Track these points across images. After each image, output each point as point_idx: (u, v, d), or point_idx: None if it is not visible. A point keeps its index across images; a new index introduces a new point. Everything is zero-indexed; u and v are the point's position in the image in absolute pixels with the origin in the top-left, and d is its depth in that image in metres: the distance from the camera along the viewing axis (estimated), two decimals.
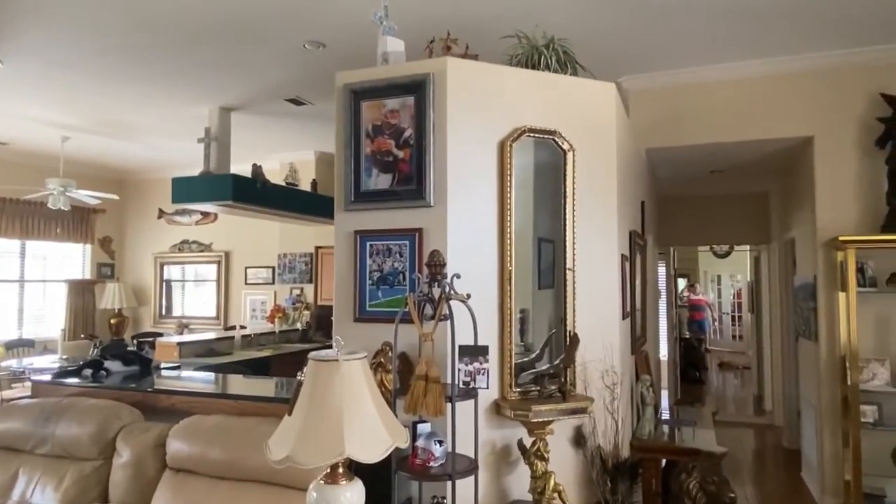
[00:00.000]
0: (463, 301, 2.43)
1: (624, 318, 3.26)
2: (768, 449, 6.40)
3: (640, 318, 4.08)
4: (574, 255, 2.87)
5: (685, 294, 13.26)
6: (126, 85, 5.07)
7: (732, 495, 2.76)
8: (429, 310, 2.44)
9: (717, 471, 2.91)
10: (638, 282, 3.99)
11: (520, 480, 2.68)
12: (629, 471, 2.78)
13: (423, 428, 2.45)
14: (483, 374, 2.40)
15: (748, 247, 9.48)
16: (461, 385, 2.39)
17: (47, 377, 3.52)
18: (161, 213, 8.94)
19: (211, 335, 6.90)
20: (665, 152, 5.03)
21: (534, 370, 2.70)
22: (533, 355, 2.85)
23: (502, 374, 2.71)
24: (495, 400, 2.69)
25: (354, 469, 2.46)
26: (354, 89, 2.77)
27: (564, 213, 2.87)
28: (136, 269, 9.21)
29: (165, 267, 9.05)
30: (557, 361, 2.70)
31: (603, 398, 2.85)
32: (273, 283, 8.17)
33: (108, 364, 3.61)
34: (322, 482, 1.85)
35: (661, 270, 7.52)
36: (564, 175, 2.86)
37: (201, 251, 8.78)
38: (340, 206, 2.82)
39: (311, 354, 1.88)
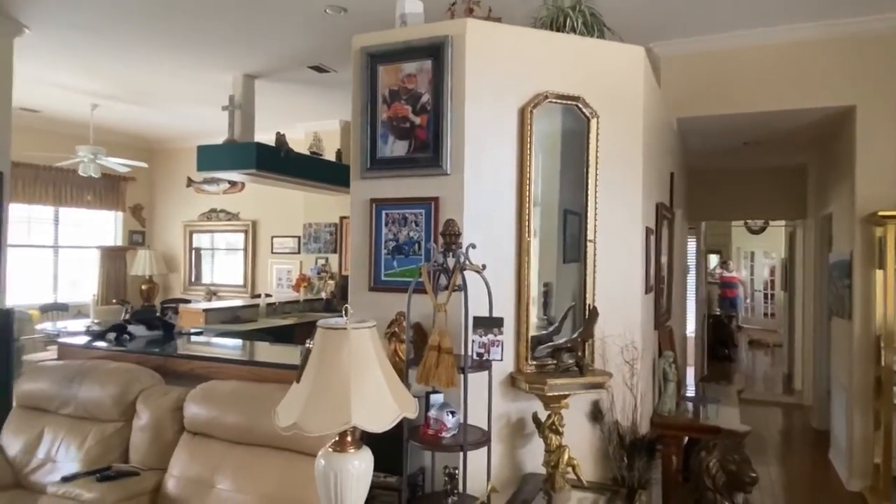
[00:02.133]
0: (478, 272, 2.37)
1: (647, 293, 3.17)
2: (796, 429, 6.27)
3: (665, 293, 3.98)
4: (595, 226, 2.78)
5: (717, 271, 12.99)
6: (149, 50, 5.07)
7: (753, 475, 2.69)
8: (443, 280, 2.39)
9: (739, 450, 2.83)
10: (664, 256, 3.88)
11: (534, 454, 2.65)
12: (646, 447, 2.72)
13: (436, 398, 2.42)
14: (497, 346, 2.35)
15: (783, 222, 9.20)
16: (474, 357, 2.35)
17: (73, 340, 3.59)
18: (190, 182, 9.03)
19: (238, 303, 7.00)
20: (697, 122, 4.85)
21: (551, 343, 2.64)
22: (551, 328, 2.80)
23: (518, 346, 2.66)
24: (511, 373, 2.65)
25: (368, 437, 2.46)
26: (371, 53, 2.70)
27: (586, 183, 2.77)
28: (166, 236, 9.36)
29: (194, 235, 9.18)
30: (575, 335, 2.64)
31: (622, 373, 2.78)
32: (299, 252, 8.22)
33: (132, 328, 3.67)
34: (331, 450, 1.84)
35: (691, 246, 7.34)
36: (587, 143, 2.76)
37: (229, 220, 8.87)
38: (356, 174, 2.77)
39: (320, 322, 1.85)
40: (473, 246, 2.38)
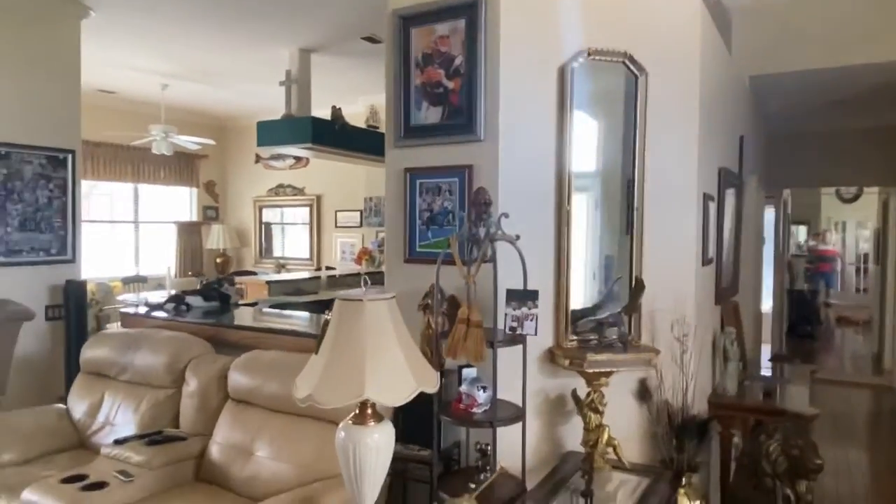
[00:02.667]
0: (511, 242, 2.26)
1: (704, 265, 2.95)
2: (883, 412, 5.80)
3: (729, 265, 3.71)
4: (644, 193, 2.59)
5: (811, 243, 12.14)
6: (207, 29, 5.17)
7: (819, 462, 2.47)
8: (476, 252, 2.30)
9: (804, 434, 2.61)
10: (729, 225, 3.61)
11: (575, 432, 2.54)
12: (698, 428, 2.55)
13: (469, 373, 2.35)
14: (531, 319, 2.25)
15: (877, 189, 8.43)
16: (507, 331, 2.25)
17: (135, 310, 3.77)
18: (258, 158, 9.28)
19: (302, 275, 7.17)
20: (774, 80, 4.46)
21: (593, 318, 2.51)
22: (596, 302, 2.65)
23: (558, 320, 2.54)
24: (550, 348, 2.54)
25: (404, 410, 2.43)
26: (403, 15, 2.60)
27: (634, 146, 2.58)
28: (238, 211, 9.70)
29: (263, 210, 9.46)
30: (620, 309, 2.49)
31: (672, 350, 2.61)
32: (361, 226, 8.31)
33: (189, 299, 3.80)
34: (350, 422, 1.81)
35: (769, 215, 6.85)
36: (635, 102, 2.56)
37: (295, 195, 9.07)
38: (390, 143, 2.70)
39: (339, 294, 1.81)
40: (506, 215, 2.27)
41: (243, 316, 3.73)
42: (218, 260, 9.20)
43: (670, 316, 2.62)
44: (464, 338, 2.14)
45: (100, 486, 2.35)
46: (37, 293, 4.31)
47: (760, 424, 3.12)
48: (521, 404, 2.32)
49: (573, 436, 2.56)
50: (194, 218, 9.42)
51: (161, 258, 8.91)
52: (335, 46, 5.60)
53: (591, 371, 2.39)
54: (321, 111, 6.02)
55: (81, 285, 4.44)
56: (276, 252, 9.47)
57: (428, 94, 2.57)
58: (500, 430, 2.33)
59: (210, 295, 3.91)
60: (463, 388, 2.28)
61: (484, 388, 2.26)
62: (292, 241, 9.31)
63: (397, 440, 2.55)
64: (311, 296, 6.10)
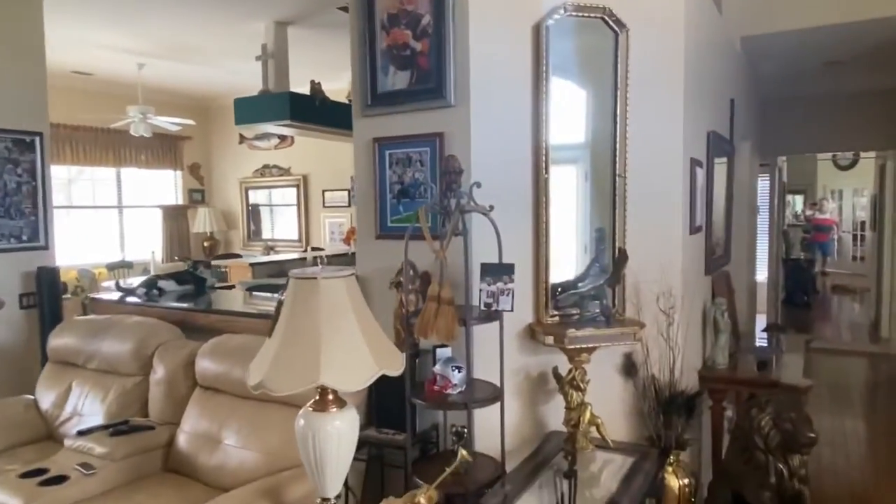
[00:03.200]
0: (485, 213, 2.13)
1: (692, 234, 2.82)
2: (881, 380, 5.73)
3: (721, 234, 3.58)
4: (626, 158, 2.45)
5: (808, 213, 12.00)
6: (179, 2, 4.96)
7: (812, 435, 2.36)
8: (447, 224, 2.16)
9: (797, 406, 2.50)
10: (720, 192, 3.47)
11: (558, 411, 2.42)
12: (685, 404, 2.45)
13: (443, 353, 2.23)
14: (508, 294, 2.12)
15: (873, 154, 8.28)
16: (482, 307, 2.13)
17: (106, 296, 3.64)
18: (242, 139, 9.08)
19: (288, 256, 7.04)
20: (766, 41, 4.28)
21: (574, 291, 2.38)
22: (577, 276, 2.52)
23: (538, 295, 2.42)
24: (530, 324, 2.42)
25: (377, 391, 2.31)
26: None
27: (615, 108, 2.44)
28: (224, 193, 9.52)
29: (250, 191, 9.28)
30: (602, 282, 2.36)
31: (658, 323, 2.49)
32: (349, 205, 8.14)
33: (162, 283, 3.67)
34: (311, 409, 1.69)
35: (764, 184, 6.71)
36: (615, 61, 2.41)
37: (281, 175, 8.89)
38: (357, 112, 2.55)
39: (292, 272, 1.68)
40: (478, 185, 2.13)
41: (218, 300, 3.61)
42: (205, 244, 9.05)
43: (656, 287, 2.49)
44: (434, 316, 2.01)
45: (60, 479, 2.24)
46: (9, 281, 4.16)
47: (753, 397, 3.02)
48: (499, 384, 2.20)
49: (556, 415, 2.45)
50: (180, 201, 9.25)
51: (147, 243, 8.77)
52: (312, 18, 5.39)
53: (571, 347, 2.27)
54: (302, 87, 5.82)
55: (54, 272, 4.29)
56: (266, 234, 9.31)
57: (395, 58, 2.41)
58: (478, 412, 2.22)
59: (184, 278, 3.78)
60: (437, 368, 2.16)
61: (459, 369, 2.14)
62: (281, 223, 9.15)
63: (372, 423, 2.46)
64: None
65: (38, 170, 4.47)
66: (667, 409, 2.46)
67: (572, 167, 2.65)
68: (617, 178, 2.44)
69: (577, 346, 2.27)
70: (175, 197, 9.22)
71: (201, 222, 8.98)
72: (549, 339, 2.31)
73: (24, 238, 4.37)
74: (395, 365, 1.69)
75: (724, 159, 3.59)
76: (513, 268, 2.13)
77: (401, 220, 2.46)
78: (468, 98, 2.31)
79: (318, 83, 5.57)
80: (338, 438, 1.67)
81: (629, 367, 2.53)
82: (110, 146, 8.14)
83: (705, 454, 3.01)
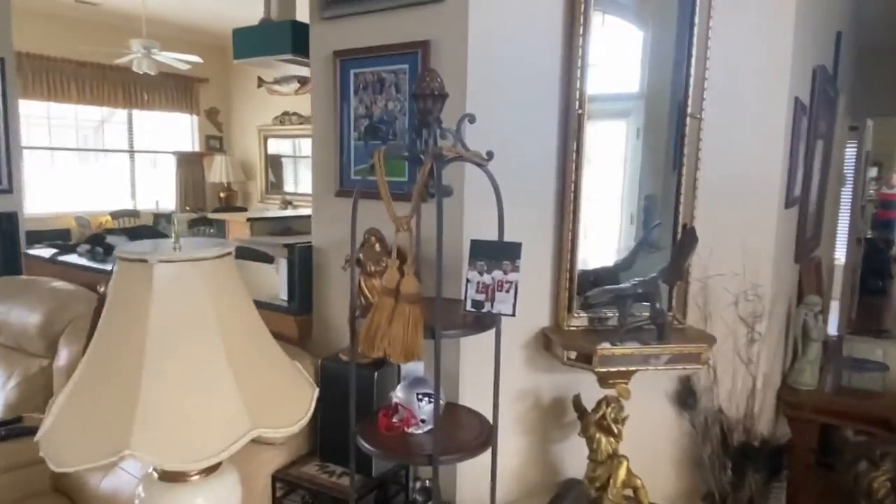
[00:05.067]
0: (478, 164, 1.38)
1: (788, 207, 2.00)
2: None
3: (812, 208, 2.72)
4: (703, 91, 1.64)
5: (875, 186, 10.70)
6: None
7: None
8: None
9: None
10: (819, 154, 2.60)
11: (580, 450, 1.70)
12: (768, 457, 1.69)
13: (411, 369, 1.51)
14: (508, 290, 1.38)
15: None
16: (468, 308, 1.39)
17: (39, 252, 3.04)
18: (260, 82, 8.38)
19: (301, 212, 6.40)
20: None
21: (611, 287, 1.61)
22: (618, 261, 1.76)
23: (558, 289, 1.67)
24: (544, 329, 1.68)
25: (325, 416, 1.64)
26: None
27: (690, 35, 1.62)
28: (243, 142, 8.91)
29: (269, 140, 8.64)
30: (654, 275, 1.59)
31: (735, 337, 1.72)
32: None
33: (111, 240, 3.05)
34: (155, 475, 1.01)
35: (851, 150, 5.67)
36: None
37: (301, 123, 8.20)
38: (314, 14, 1.80)
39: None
40: (471, 118, 1.37)
41: None
42: (221, 194, 8.50)
43: (735, 284, 1.71)
44: (388, 321, 1.29)
45: None
46: None
47: (863, 439, 2.22)
48: (490, 418, 1.48)
49: (576, 457, 1.72)
50: (196, 148, 8.68)
51: (160, 192, 8.27)
52: None
53: (604, 370, 1.53)
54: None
55: (11, 219, 3.75)
56: (288, 187, 8.69)
57: None
58: None
59: (140, 234, 3.15)
60: (397, 394, 1.45)
61: (428, 397, 1.43)
62: (306, 177, 8.50)
63: (315, 454, 1.78)
64: (303, 236, 5.33)
65: None
66: (738, 460, 1.70)
67: (621, 122, 1.90)
68: (688, 121, 1.63)
69: (613, 369, 1.53)
70: (191, 143, 8.65)
71: (218, 171, 8.40)
72: (572, 355, 1.57)
73: None
74: (291, 415, 0.98)
75: (827, 106, 2.70)
76: (518, 249, 1.38)
77: (366, 171, 1.73)
78: None
79: None
80: None
81: (686, 397, 1.77)
82: (120, 85, 7.57)
83: None
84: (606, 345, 1.53)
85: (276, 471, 1.66)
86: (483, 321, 1.41)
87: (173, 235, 0.97)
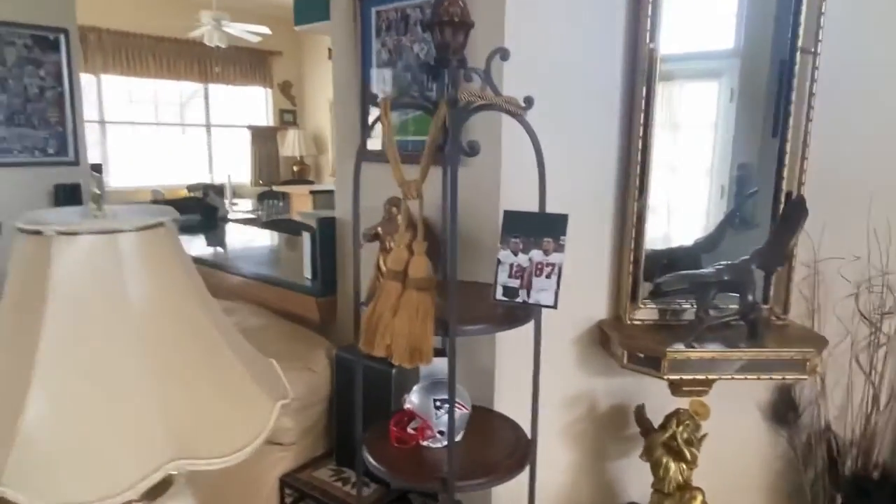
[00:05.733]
0: (512, 113, 1.07)
1: None
2: None
3: None
4: (820, 16, 1.25)
5: None
6: None
7: None
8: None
9: None
10: None
11: (644, 470, 1.39)
12: (893, 494, 1.31)
13: (429, 370, 1.24)
14: (550, 275, 1.08)
15: None
16: (499, 297, 1.11)
17: None
18: (331, 53, 8.27)
19: None
20: None
21: (687, 273, 1.27)
22: (699, 239, 1.41)
23: (619, 275, 1.35)
24: (600, 323, 1.36)
25: (341, 407, 1.43)
26: None
27: None
28: (315, 115, 8.87)
29: None
30: (747, 257, 1.23)
31: (852, 339, 1.34)
32: None
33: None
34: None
35: None
36: None
37: None
38: None
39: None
40: (503, 55, 1.07)
41: (217, 237, 2.84)
42: (294, 168, 8.52)
43: (855, 272, 1.33)
44: (392, 311, 1.02)
45: None
46: (37, 198, 3.71)
47: None
48: (529, 431, 1.19)
49: (639, 476, 1.41)
50: (270, 122, 8.72)
51: (236, 166, 8.38)
52: None
53: (676, 378, 1.21)
54: None
55: (74, 190, 3.77)
56: None
57: None
58: None
59: (188, 206, 3.05)
60: (412, 398, 1.19)
61: (444, 404, 1.16)
62: None
63: (331, 456, 1.55)
64: None
65: (63, 73, 3.90)
66: (850, 494, 1.34)
67: (713, 84, 1.54)
68: (798, 56, 1.25)
69: (688, 377, 1.20)
70: (266, 118, 8.70)
71: (291, 145, 8.41)
72: (635, 356, 1.26)
73: (51, 151, 3.86)
74: (235, 439, 0.74)
75: None
76: (564, 223, 1.07)
77: (395, 128, 1.46)
78: None
79: None
80: None
81: (784, 411, 1.41)
82: (195, 59, 7.67)
83: None
84: (680, 346, 1.20)
85: (284, 474, 1.45)
86: (516, 314, 1.11)
87: (92, 197, 0.75)
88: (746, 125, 1.52)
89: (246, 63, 8.11)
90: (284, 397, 0.83)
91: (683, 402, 1.28)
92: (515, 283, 1.10)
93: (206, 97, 8.07)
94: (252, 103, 8.52)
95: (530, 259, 1.10)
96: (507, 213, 1.12)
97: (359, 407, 1.18)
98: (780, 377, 1.25)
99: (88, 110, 6.77)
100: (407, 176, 1.06)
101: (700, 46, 1.46)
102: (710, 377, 1.22)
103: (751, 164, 1.55)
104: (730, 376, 1.20)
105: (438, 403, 1.15)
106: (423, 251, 1.05)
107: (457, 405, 1.16)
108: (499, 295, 1.11)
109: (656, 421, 1.28)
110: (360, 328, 1.07)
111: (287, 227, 2.73)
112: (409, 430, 1.19)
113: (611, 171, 1.34)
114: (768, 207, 1.35)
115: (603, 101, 1.31)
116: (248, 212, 6.57)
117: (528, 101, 1.08)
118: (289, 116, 8.89)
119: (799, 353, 1.20)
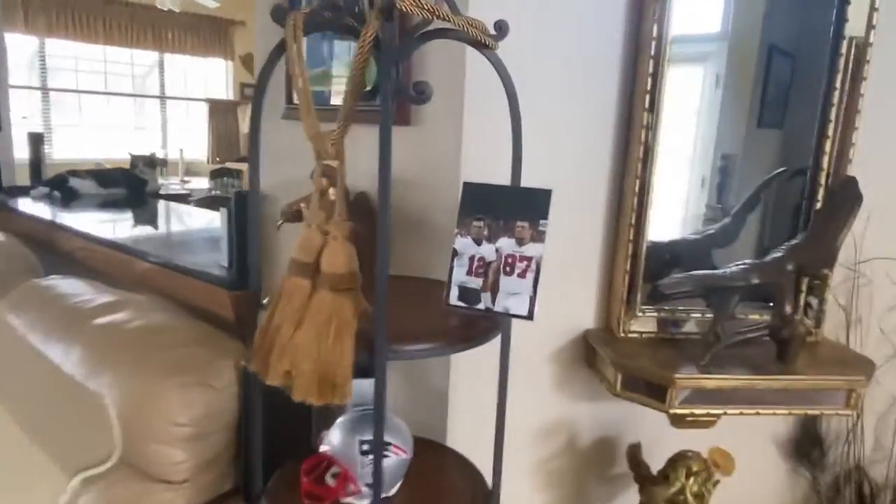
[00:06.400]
0: (476, 44, 0.75)
1: None
2: None
3: None
4: None
5: None
6: None
7: None
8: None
9: None
10: None
11: None
12: None
13: (359, 392, 0.92)
14: (525, 273, 0.77)
15: None
16: (453, 301, 0.79)
17: None
18: None
19: None
20: None
21: (698, 273, 0.98)
22: (707, 231, 1.12)
23: (612, 273, 1.04)
24: (587, 333, 1.06)
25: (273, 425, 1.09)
26: None
27: None
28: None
29: None
30: (780, 254, 0.94)
31: None
32: None
33: (75, 182, 2.57)
34: None
35: None
36: None
37: None
38: None
39: None
40: None
41: (142, 214, 2.47)
42: None
43: None
44: (296, 322, 0.71)
45: None
46: None
47: None
48: (490, 474, 0.89)
49: None
50: (231, 97, 8.24)
51: (193, 141, 7.89)
52: None
53: (682, 413, 0.91)
54: None
55: None
56: None
57: None
58: None
59: (112, 178, 2.67)
60: (331, 438, 0.87)
61: (382, 448, 0.84)
62: None
63: (237, 494, 1.21)
64: None
65: None
66: None
67: (698, 69, 1.25)
68: (843, 43, 0.95)
69: (701, 410, 0.91)
70: (225, 91, 8.21)
71: None
72: (630, 383, 0.96)
73: None
74: None
75: None
76: (546, 201, 0.76)
77: (323, 75, 1.13)
78: None
79: None
80: None
81: (807, 447, 1.13)
82: (149, 26, 7.15)
83: None
84: (692, 369, 0.90)
85: None
86: (477, 326, 0.80)
87: None
88: (732, 114, 1.25)
89: (206, 32, 7.63)
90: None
91: (685, 435, 0.99)
92: (477, 283, 0.79)
93: (162, 67, 7.57)
94: (211, 76, 8.04)
95: (497, 250, 0.79)
96: (468, 186, 0.81)
97: (257, 445, 0.86)
98: (818, 412, 0.97)
99: (30, 76, 6.24)
100: (325, 129, 0.74)
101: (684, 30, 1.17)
102: (728, 411, 0.93)
103: (734, 156, 1.28)
104: (755, 412, 0.91)
105: (366, 447, 0.84)
106: (346, 235, 0.73)
107: (392, 450, 0.85)
108: (453, 299, 0.80)
109: (652, 460, 0.99)
110: (253, 343, 0.74)
111: (219, 205, 2.37)
112: (328, 481, 0.87)
113: (606, 137, 1.03)
114: (796, 193, 1.07)
115: (602, 40, 1.00)
116: (204, 190, 6.17)
117: (501, 28, 0.76)
118: (250, 90, 8.40)
119: (845, 381, 0.92)
